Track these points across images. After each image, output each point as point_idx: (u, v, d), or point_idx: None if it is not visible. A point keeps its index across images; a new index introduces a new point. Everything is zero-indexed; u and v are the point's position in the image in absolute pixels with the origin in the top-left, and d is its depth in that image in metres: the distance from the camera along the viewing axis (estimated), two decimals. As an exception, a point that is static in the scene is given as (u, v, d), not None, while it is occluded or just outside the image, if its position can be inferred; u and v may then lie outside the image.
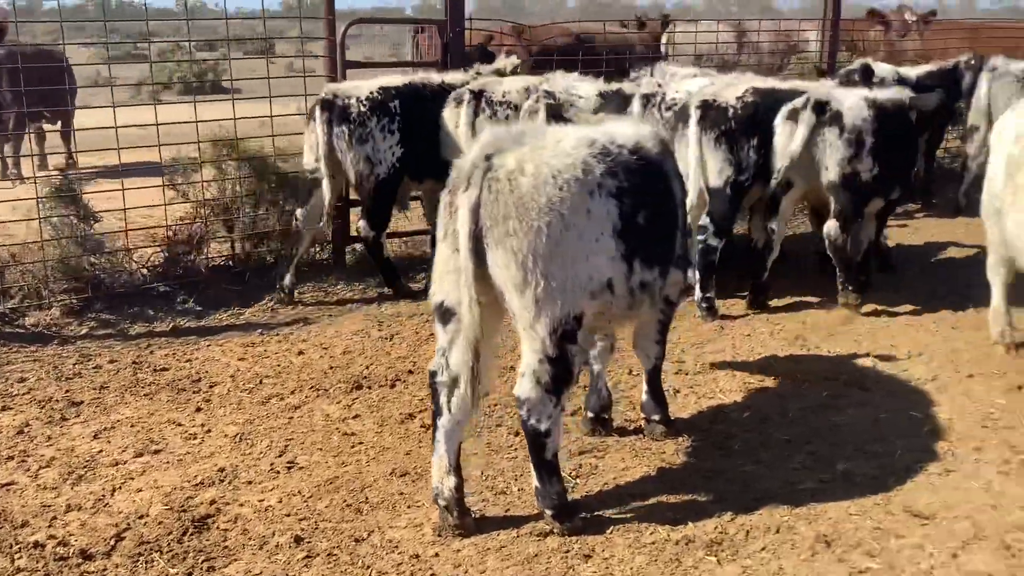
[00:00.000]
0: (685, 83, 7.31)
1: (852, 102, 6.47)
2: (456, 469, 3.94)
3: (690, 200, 6.23)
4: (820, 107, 6.39)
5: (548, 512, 3.93)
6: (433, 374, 3.93)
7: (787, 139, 6.44)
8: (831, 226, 6.60)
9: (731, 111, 6.60)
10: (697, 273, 6.64)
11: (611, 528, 3.95)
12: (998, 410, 5.03)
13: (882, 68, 9.07)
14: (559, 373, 3.78)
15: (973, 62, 10.02)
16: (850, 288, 6.71)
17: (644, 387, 4.81)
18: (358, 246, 7.88)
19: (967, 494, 4.17)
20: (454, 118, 7.04)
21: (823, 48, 9.93)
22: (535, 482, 3.94)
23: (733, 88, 6.78)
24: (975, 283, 7.18)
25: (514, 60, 7.99)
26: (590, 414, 4.84)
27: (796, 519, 3.99)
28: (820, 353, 6.00)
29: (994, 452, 4.57)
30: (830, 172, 6.47)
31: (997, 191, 5.55)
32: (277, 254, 7.56)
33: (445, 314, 3.87)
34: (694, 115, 6.59)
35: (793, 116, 6.46)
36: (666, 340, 4.76)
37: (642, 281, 4.04)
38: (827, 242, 6.67)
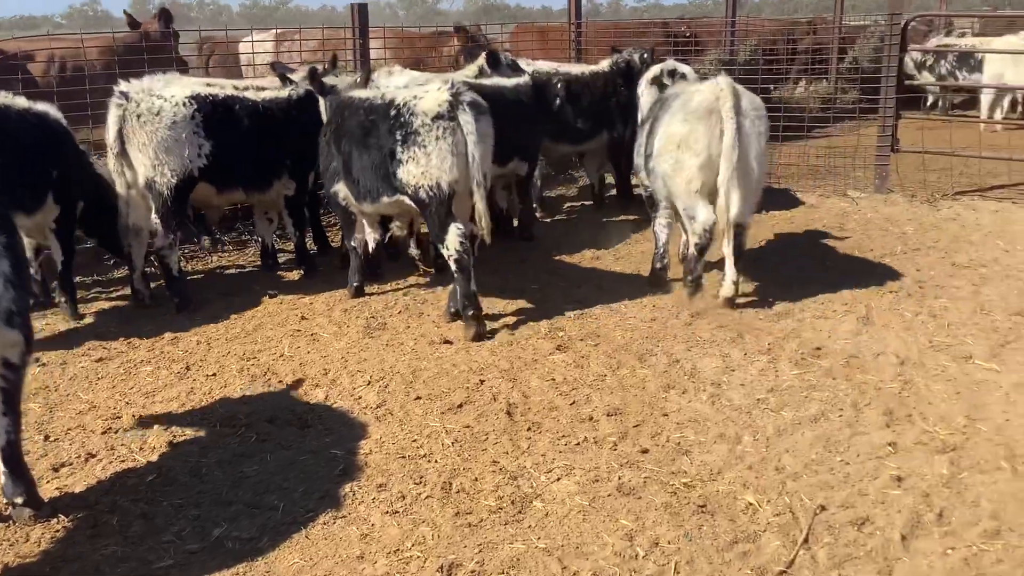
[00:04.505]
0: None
1: None
2: None
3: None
4: None
5: None
6: None
7: None
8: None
9: None
10: None
11: None
12: (424, 435, 4.88)
13: (407, 75, 9.00)
14: None
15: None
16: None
17: (1, 467, 4.10)
18: None
19: (338, 546, 3.91)
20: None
21: (355, 57, 9.70)
22: None
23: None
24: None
25: None
26: (-67, 509, 4.06)
27: (132, 610, 3.51)
28: (280, 388, 5.61)
29: (396, 487, 4.36)
30: None
31: None
32: None
33: None
34: None
35: None
36: (18, 409, 4.07)
37: None
38: None
